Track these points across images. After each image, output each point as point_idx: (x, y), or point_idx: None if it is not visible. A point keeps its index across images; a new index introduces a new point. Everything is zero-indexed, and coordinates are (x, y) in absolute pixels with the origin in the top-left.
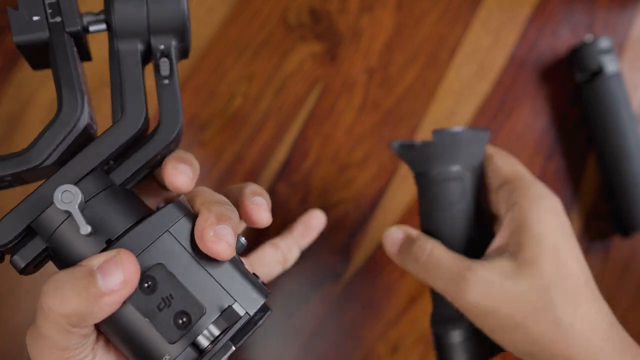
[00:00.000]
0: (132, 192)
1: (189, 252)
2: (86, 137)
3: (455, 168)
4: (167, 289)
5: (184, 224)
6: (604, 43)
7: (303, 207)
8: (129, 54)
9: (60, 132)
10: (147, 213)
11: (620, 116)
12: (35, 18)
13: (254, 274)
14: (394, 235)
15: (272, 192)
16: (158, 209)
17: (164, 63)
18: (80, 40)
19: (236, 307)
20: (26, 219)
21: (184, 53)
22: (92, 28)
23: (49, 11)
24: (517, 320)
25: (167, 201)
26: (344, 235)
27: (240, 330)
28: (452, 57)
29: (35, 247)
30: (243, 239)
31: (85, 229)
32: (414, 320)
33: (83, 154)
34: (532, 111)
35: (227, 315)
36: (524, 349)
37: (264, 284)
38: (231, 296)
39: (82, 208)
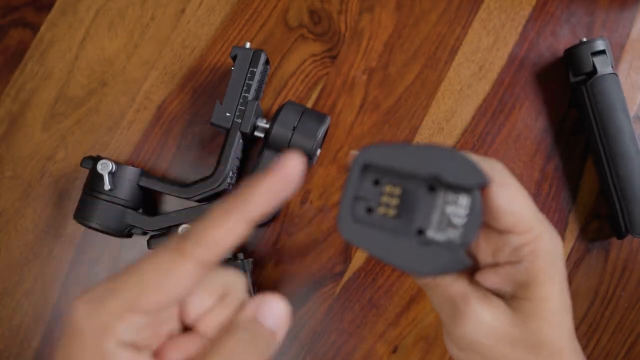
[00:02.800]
0: None
1: None
2: (222, 190)
3: None
4: None
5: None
6: (597, 44)
7: (303, 207)
8: (269, 157)
9: (208, 187)
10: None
11: (614, 118)
12: (227, 114)
13: None
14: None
15: None
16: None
17: None
18: (246, 134)
19: None
20: (168, 223)
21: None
22: (255, 133)
23: (237, 113)
24: None
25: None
26: None
27: None
28: (452, 57)
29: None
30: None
31: None
32: (414, 320)
33: (214, 205)
34: (532, 111)
35: None
36: None
37: None
38: None
39: None
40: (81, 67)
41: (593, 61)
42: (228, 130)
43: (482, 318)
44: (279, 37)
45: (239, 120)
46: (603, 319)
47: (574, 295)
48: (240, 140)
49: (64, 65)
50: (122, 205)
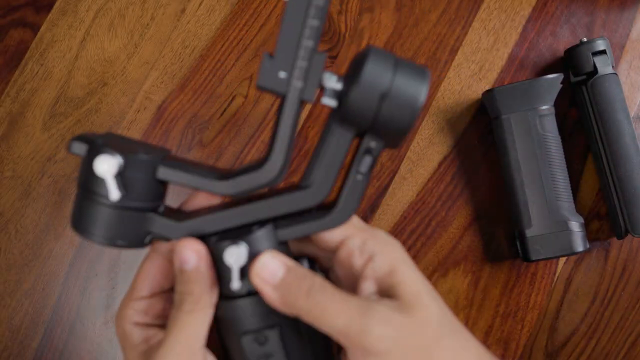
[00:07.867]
0: (287, 248)
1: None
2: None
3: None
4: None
5: None
6: (598, 44)
7: None
8: (341, 137)
9: (258, 181)
10: None
11: (614, 118)
12: (281, 74)
13: None
14: (272, 268)
15: None
16: None
17: (366, 160)
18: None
19: None
20: (205, 231)
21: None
22: (323, 100)
23: (296, 73)
24: (409, 355)
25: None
26: None
27: None
28: (452, 57)
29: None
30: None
31: (236, 285)
32: None
33: (267, 202)
34: None
35: None
36: None
37: None
38: None
39: (244, 263)
40: (81, 67)
41: (593, 61)
42: (283, 97)
43: (386, 312)
44: None
45: (299, 85)
46: (603, 318)
47: (574, 295)
48: (300, 112)
49: (64, 65)
50: (137, 210)
